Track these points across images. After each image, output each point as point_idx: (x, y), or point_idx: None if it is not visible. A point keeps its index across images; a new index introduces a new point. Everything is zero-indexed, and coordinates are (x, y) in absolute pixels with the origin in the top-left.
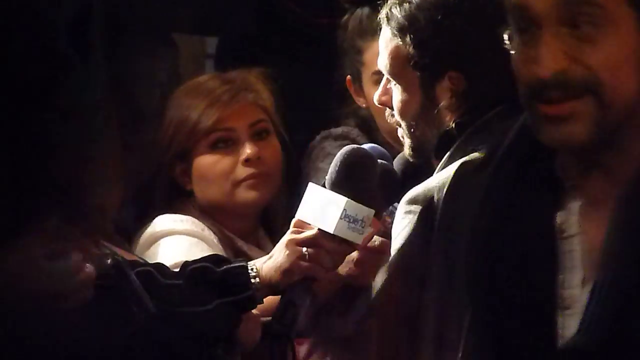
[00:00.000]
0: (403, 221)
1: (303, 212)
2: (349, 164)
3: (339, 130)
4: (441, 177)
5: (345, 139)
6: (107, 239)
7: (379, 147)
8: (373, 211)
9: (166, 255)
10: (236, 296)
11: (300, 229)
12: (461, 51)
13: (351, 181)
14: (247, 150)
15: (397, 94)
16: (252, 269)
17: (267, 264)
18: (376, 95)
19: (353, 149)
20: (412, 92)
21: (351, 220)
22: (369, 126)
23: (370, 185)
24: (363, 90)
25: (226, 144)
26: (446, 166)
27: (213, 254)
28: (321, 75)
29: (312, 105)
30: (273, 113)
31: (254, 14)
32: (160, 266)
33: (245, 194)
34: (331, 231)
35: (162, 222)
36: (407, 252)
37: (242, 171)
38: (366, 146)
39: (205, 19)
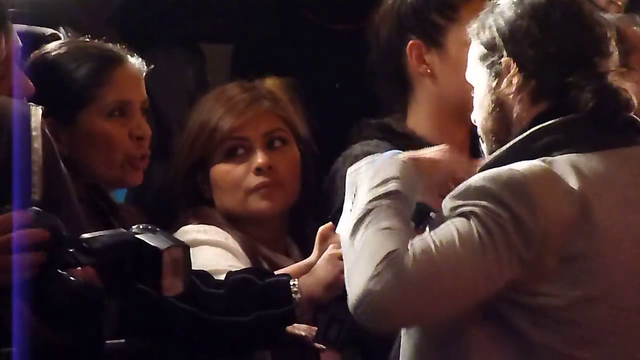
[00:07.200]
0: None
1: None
2: None
3: (357, 149)
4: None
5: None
6: None
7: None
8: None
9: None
10: (276, 309)
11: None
12: (514, 39)
13: None
14: (259, 159)
15: (475, 95)
16: (293, 284)
17: (308, 279)
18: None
19: None
20: (483, 89)
21: None
22: (392, 133)
23: None
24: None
25: (240, 152)
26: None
27: (256, 267)
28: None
29: (336, 113)
30: (293, 122)
31: (277, 22)
32: (203, 274)
33: (257, 203)
34: None
35: (186, 233)
36: None
37: (254, 180)
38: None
39: (232, 28)
